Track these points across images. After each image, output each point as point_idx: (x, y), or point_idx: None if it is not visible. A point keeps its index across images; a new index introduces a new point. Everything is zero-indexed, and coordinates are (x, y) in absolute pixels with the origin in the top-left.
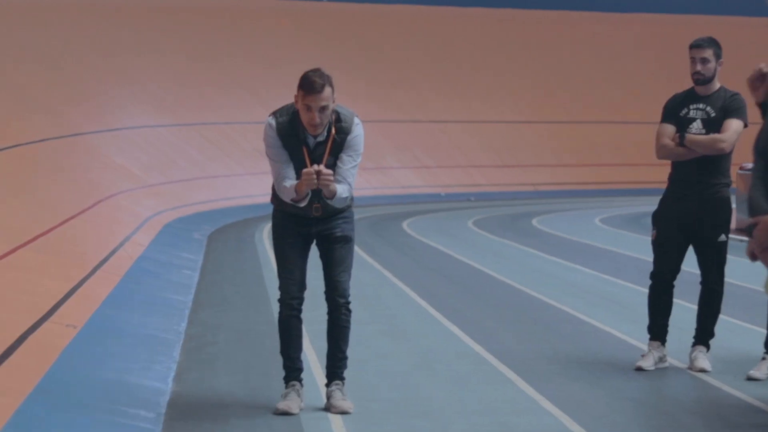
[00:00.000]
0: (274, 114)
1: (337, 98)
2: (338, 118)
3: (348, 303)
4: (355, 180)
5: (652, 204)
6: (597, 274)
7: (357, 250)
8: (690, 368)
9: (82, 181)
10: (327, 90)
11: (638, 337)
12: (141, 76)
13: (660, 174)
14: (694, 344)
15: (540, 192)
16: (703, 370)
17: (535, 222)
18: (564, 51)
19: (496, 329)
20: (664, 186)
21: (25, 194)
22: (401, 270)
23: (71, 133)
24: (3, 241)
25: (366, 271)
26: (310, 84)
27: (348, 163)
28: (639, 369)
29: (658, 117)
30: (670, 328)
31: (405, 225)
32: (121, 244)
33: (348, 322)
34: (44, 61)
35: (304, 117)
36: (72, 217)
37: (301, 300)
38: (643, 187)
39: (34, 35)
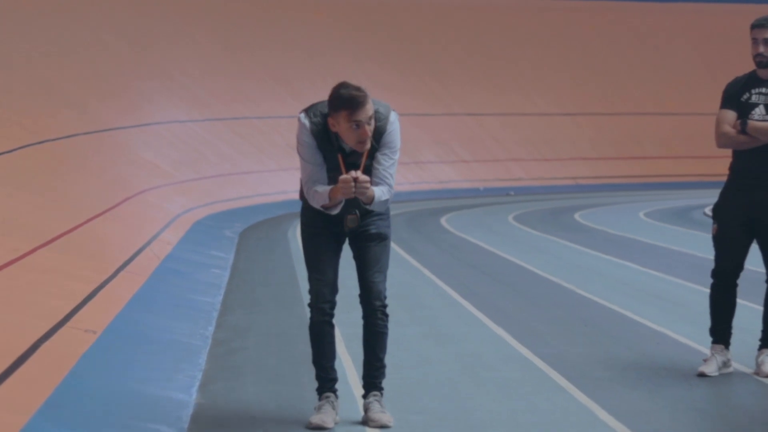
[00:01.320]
0: (307, 113)
1: (372, 91)
2: (374, 117)
3: (384, 306)
4: (395, 179)
5: (695, 197)
6: (647, 270)
7: (394, 246)
8: (757, 373)
9: (109, 178)
10: (369, 99)
11: (697, 339)
12: (171, 69)
13: (703, 166)
14: (761, 347)
15: (580, 186)
16: None
17: (577, 216)
18: (602, 41)
19: (544, 331)
20: (706, 178)
21: (50, 191)
22: (441, 267)
23: (99, 129)
24: (23, 240)
25: (404, 269)
26: (352, 100)
27: (385, 161)
28: (701, 375)
29: (699, 107)
30: (734, 330)
31: (443, 221)
32: (148, 243)
33: (385, 327)
34: (72, 55)
35: (352, 136)
36: (97, 215)
37: (333, 304)
38: (686, 180)
39: (61, 28)
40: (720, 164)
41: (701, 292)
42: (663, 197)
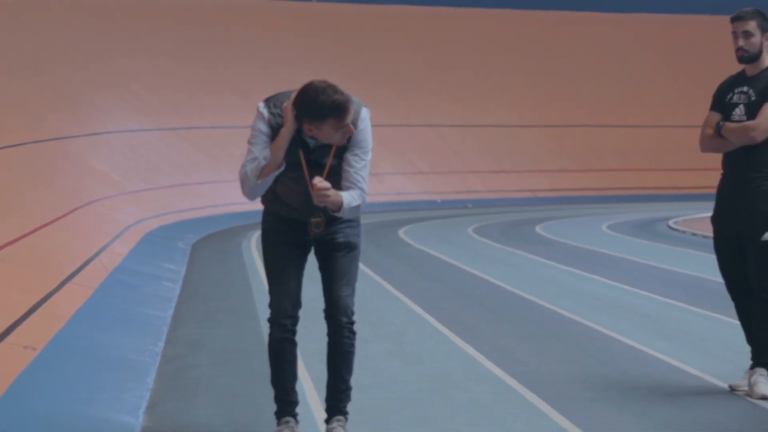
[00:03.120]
0: (267, 103)
1: None
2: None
3: (352, 323)
4: (367, 181)
5: (657, 210)
6: (616, 284)
7: None
8: (749, 394)
9: (59, 188)
10: (351, 108)
11: (677, 356)
12: (124, 79)
13: (664, 179)
14: (753, 366)
15: (539, 198)
16: (765, 398)
17: (538, 229)
18: (563, 53)
19: (516, 348)
20: (667, 191)
21: None
22: (402, 281)
23: (49, 138)
24: None
25: (364, 283)
26: (339, 107)
27: (356, 163)
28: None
29: (660, 120)
30: (718, 349)
31: (402, 233)
32: (97, 254)
33: (352, 346)
34: (23, 63)
35: (336, 138)
36: (44, 225)
37: (295, 319)
38: (646, 193)
39: (12, 36)
40: (680, 177)
41: (675, 307)
42: (624, 210)
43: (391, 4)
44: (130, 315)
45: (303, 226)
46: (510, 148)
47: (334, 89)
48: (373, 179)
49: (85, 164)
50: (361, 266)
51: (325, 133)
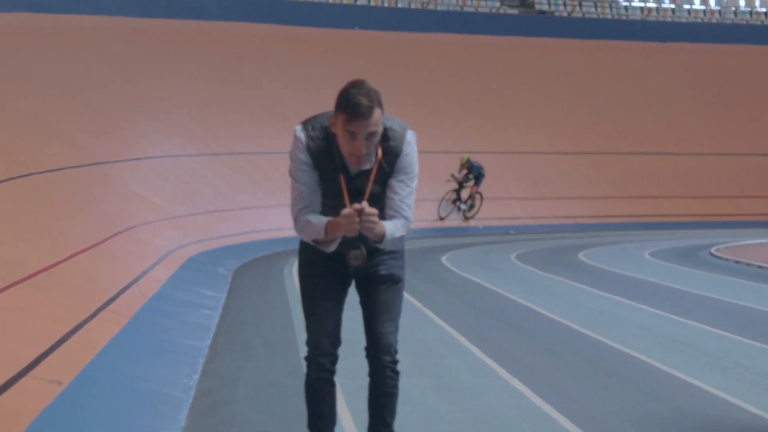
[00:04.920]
0: (305, 125)
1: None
2: (386, 135)
3: (395, 363)
4: (413, 210)
5: (697, 237)
6: (664, 314)
7: None
8: None
9: (99, 213)
10: (376, 113)
11: (734, 393)
12: (166, 103)
13: (702, 206)
14: None
15: (580, 225)
16: None
17: (582, 256)
18: (601, 81)
19: (564, 382)
20: (706, 218)
21: (32, 226)
22: (445, 310)
23: (90, 163)
24: None
25: (406, 311)
26: (355, 107)
27: (401, 190)
28: None
29: (698, 147)
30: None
31: (444, 259)
32: (135, 281)
33: (395, 387)
34: (63, 87)
35: (346, 146)
36: (82, 251)
37: (334, 358)
38: (686, 220)
39: (52, 60)
40: (719, 204)
41: (727, 339)
42: (665, 237)
43: (429, 32)
44: (166, 345)
45: (343, 258)
46: (549, 175)
47: (369, 93)
48: (415, 205)
49: (126, 189)
50: (403, 293)
51: (341, 135)
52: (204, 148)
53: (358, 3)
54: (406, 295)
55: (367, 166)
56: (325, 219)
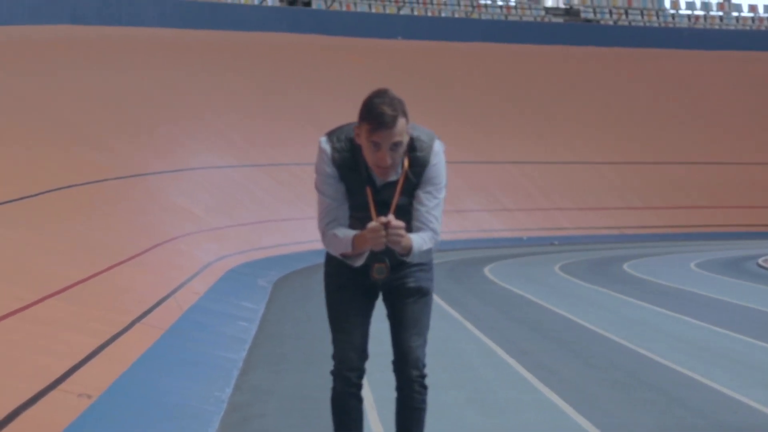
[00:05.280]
0: (329, 137)
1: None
2: (412, 146)
3: (423, 377)
4: (441, 222)
5: (745, 248)
6: (708, 326)
7: (434, 298)
8: None
9: (138, 224)
10: (400, 122)
11: None
12: (208, 114)
13: (751, 216)
14: None
15: (626, 236)
16: None
17: (626, 267)
18: (648, 89)
19: (602, 396)
20: (755, 229)
21: (70, 237)
22: (485, 322)
23: (130, 174)
24: (30, 288)
25: (444, 323)
26: (379, 116)
27: (429, 201)
28: None
29: (746, 157)
30: None
31: (487, 271)
32: (172, 293)
33: (423, 402)
34: (104, 99)
35: (370, 157)
36: (120, 263)
37: (361, 372)
38: (734, 231)
39: (94, 72)
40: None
41: None
42: (712, 248)
43: (474, 41)
44: (200, 358)
45: (369, 270)
46: (595, 185)
47: (392, 101)
48: (458, 216)
49: (167, 200)
50: (443, 304)
51: (365, 145)
52: (246, 159)
53: (402, 13)
54: (445, 307)
55: (393, 177)
56: (351, 233)
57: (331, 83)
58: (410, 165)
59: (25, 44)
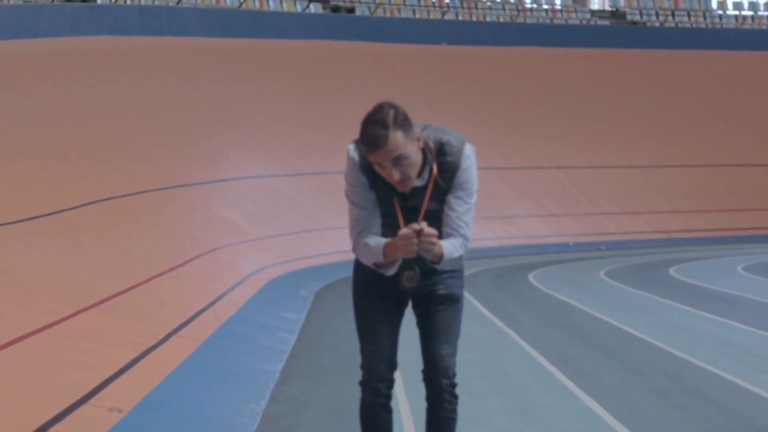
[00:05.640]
0: (357, 144)
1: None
2: (441, 150)
3: (453, 386)
4: (471, 227)
5: None
6: (755, 331)
7: (477, 305)
8: None
9: (180, 235)
10: (395, 138)
11: None
12: (250, 123)
13: None
14: None
15: (673, 240)
16: None
17: (672, 271)
18: (695, 91)
19: (645, 404)
20: None
21: (109, 249)
22: (527, 328)
23: (172, 185)
24: (64, 302)
25: (487, 331)
26: (369, 138)
27: (459, 206)
28: None
29: None
30: None
31: (531, 277)
32: (211, 304)
33: (453, 412)
34: (146, 109)
35: (382, 174)
36: (159, 274)
37: (390, 383)
38: None
39: (135, 82)
40: None
41: None
42: (760, 251)
43: (519, 45)
44: (236, 369)
45: (398, 278)
46: (642, 189)
47: (384, 118)
48: (504, 222)
49: (209, 211)
50: (485, 312)
51: (373, 164)
52: (289, 168)
53: (446, 18)
54: (487, 314)
55: (419, 183)
56: (383, 241)
57: (375, 90)
58: (439, 170)
59: (66, 56)
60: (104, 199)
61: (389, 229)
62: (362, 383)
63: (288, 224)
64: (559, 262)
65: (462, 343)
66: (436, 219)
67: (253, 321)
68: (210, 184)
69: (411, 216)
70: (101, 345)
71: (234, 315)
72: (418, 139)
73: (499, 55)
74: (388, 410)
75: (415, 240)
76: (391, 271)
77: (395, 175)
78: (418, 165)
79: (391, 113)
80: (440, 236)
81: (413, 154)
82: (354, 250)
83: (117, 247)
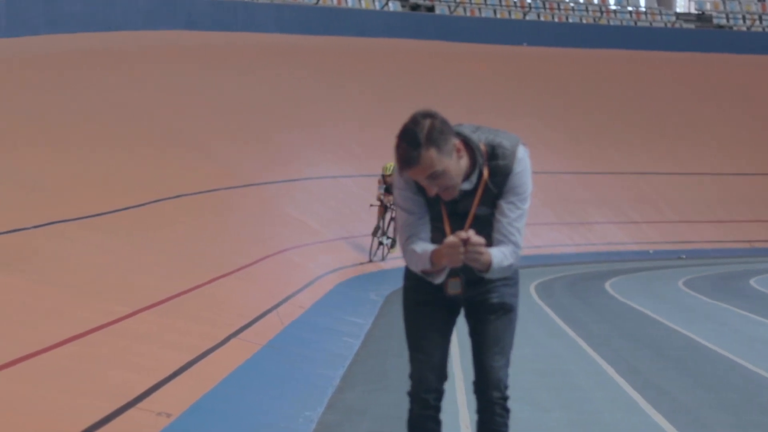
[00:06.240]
0: None
1: (536, 148)
2: (493, 154)
3: (505, 399)
4: (523, 234)
5: None
6: None
7: (550, 313)
8: None
9: (248, 236)
10: (427, 156)
11: None
12: (324, 123)
13: None
14: None
15: (756, 249)
16: None
17: (753, 282)
18: None
19: (713, 420)
20: None
21: (174, 249)
22: (598, 339)
23: (243, 184)
24: (124, 302)
25: (557, 340)
26: (400, 158)
27: (511, 212)
28: None
29: None
30: None
31: (608, 285)
32: (276, 306)
33: (505, 425)
34: (217, 106)
35: (422, 185)
36: (224, 275)
37: (440, 394)
38: None
39: (207, 78)
40: None
41: None
42: None
43: (602, 48)
44: (294, 375)
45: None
46: (725, 197)
47: (415, 136)
48: (583, 229)
49: (280, 211)
50: (556, 320)
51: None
52: (363, 169)
53: (528, 18)
54: (559, 323)
55: (467, 186)
56: (430, 248)
57: (453, 91)
58: (490, 174)
59: (139, 50)
60: (173, 197)
61: (439, 233)
62: (411, 394)
63: (361, 226)
64: (638, 270)
65: (531, 352)
66: (486, 224)
67: (318, 325)
68: (281, 183)
69: (460, 221)
70: (156, 347)
71: (298, 318)
72: (458, 150)
73: (581, 57)
74: (437, 422)
75: (461, 249)
76: (439, 279)
77: (434, 190)
78: (460, 174)
79: (425, 127)
80: (490, 242)
81: (452, 167)
82: (403, 255)
83: (183, 246)
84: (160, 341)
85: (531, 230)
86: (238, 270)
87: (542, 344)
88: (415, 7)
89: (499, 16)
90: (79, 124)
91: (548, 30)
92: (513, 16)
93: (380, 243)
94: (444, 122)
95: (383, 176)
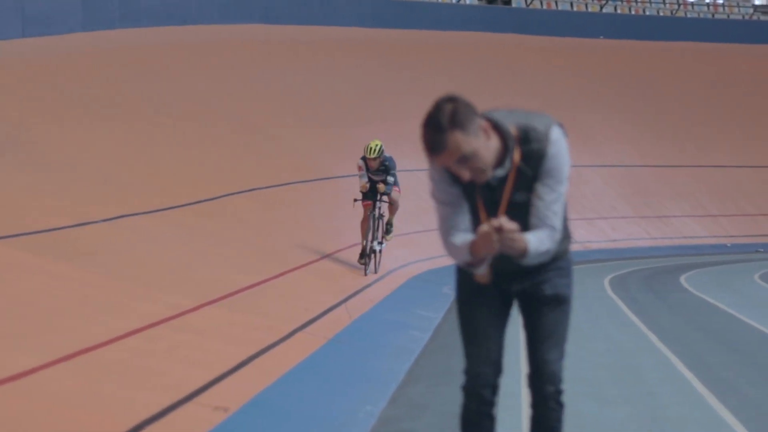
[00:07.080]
0: None
1: (611, 141)
2: (525, 137)
3: (559, 393)
4: (561, 217)
5: None
6: None
7: (621, 306)
8: None
9: (324, 228)
10: (453, 139)
11: None
12: (399, 115)
13: None
14: None
15: None
16: None
17: None
18: None
19: None
20: None
21: (244, 242)
22: (669, 332)
23: (319, 177)
24: (190, 295)
25: (628, 335)
26: (428, 145)
27: (547, 195)
28: None
29: None
30: None
31: (683, 279)
32: (345, 300)
33: (558, 421)
34: (294, 100)
35: (454, 172)
36: (296, 268)
37: (495, 389)
38: None
39: (284, 72)
40: None
41: None
42: None
43: (679, 41)
44: (358, 369)
45: (502, 277)
46: None
47: (439, 122)
48: (659, 222)
49: (357, 204)
50: (630, 315)
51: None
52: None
53: (604, 11)
54: (631, 316)
55: (500, 173)
56: (469, 238)
57: (529, 84)
58: (523, 158)
59: (215, 44)
60: (247, 190)
61: (478, 223)
62: (465, 388)
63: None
64: (715, 264)
65: (600, 347)
66: (524, 210)
67: (386, 319)
68: (356, 177)
69: (496, 209)
70: (218, 341)
71: (367, 312)
72: (485, 130)
73: (657, 50)
74: (491, 418)
75: (495, 237)
76: (481, 271)
77: (465, 174)
78: (491, 156)
79: (448, 111)
80: (527, 227)
81: (481, 148)
82: (444, 248)
83: (254, 240)
84: (222, 335)
85: (608, 224)
86: (310, 263)
87: (613, 338)
88: (492, 1)
89: (575, 9)
90: (150, 118)
91: (625, 23)
92: (590, 9)
93: (372, 251)
94: (467, 105)
95: (365, 160)
